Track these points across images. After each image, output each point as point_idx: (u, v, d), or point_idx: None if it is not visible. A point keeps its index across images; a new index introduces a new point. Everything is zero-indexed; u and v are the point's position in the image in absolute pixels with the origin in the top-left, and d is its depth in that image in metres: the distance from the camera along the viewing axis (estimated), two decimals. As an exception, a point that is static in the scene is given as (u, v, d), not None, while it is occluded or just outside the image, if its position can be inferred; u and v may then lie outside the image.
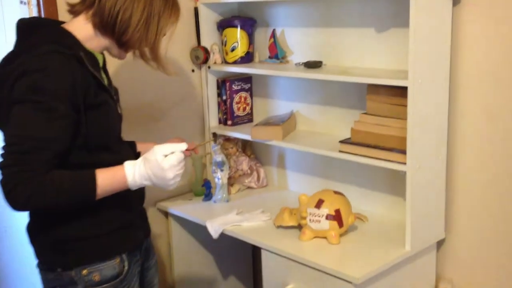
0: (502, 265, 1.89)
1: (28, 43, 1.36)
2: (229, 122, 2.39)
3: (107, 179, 1.35)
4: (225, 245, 2.42)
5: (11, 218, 2.26)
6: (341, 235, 1.88)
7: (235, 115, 2.39)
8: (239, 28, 2.30)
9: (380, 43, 2.00)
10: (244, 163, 2.40)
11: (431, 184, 1.86)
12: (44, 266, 1.48)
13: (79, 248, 1.44)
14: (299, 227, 1.93)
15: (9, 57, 1.39)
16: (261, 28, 2.36)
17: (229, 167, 2.37)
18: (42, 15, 2.01)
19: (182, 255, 2.36)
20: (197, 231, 2.28)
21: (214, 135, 2.37)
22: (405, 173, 1.77)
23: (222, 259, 2.47)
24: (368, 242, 1.88)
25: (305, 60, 2.16)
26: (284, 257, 1.83)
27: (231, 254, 2.50)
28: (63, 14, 2.03)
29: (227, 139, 2.42)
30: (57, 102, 1.29)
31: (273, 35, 2.26)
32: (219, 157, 2.23)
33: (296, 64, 2.22)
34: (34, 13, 2.02)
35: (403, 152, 1.77)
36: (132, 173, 1.38)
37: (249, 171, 2.40)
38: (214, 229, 2.02)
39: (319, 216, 1.86)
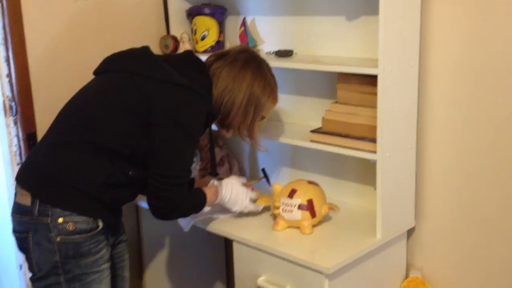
0: (471, 253, 1.91)
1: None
2: (200, 113, 2.35)
3: (210, 195, 1.79)
4: (197, 237, 2.39)
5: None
6: (314, 225, 1.88)
7: (206, 105, 2.35)
8: (209, 16, 2.26)
9: (351, 31, 1.99)
10: (216, 154, 2.37)
11: (401, 173, 1.86)
12: (24, 195, 1.57)
13: (67, 192, 1.56)
14: (274, 217, 1.92)
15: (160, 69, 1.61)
16: (232, 16, 2.33)
17: (201, 159, 2.34)
18: (6, 22, 1.92)
19: (153, 249, 2.32)
20: (168, 224, 2.24)
21: (264, 171, 2.15)
22: (375, 161, 1.77)
23: (194, 252, 2.45)
24: (340, 232, 1.87)
25: (276, 49, 2.13)
26: (256, 248, 1.82)
27: (204, 247, 2.47)
28: (28, 17, 1.96)
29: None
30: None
31: (244, 23, 2.23)
32: (190, 148, 2.19)
33: (267, 53, 2.19)
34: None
35: (374, 141, 1.76)
36: (223, 192, 1.84)
37: (221, 163, 2.37)
38: (185, 221, 1.99)
39: (292, 206, 1.85)
